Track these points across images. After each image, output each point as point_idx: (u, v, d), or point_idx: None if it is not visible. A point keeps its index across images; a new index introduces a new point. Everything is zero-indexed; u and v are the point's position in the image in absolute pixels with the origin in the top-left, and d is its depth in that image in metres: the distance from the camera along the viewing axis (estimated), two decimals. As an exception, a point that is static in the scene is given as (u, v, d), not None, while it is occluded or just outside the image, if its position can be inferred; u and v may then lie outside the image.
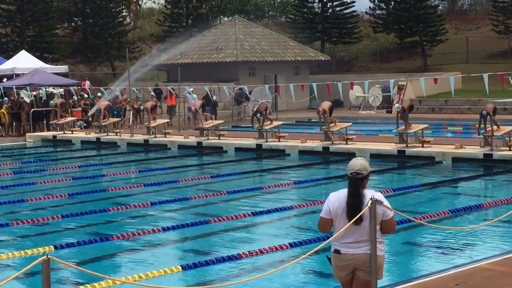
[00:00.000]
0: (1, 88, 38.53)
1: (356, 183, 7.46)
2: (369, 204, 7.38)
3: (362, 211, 7.38)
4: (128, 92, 36.86)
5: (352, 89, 40.90)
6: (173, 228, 14.82)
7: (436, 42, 55.50)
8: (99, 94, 39.27)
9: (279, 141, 27.93)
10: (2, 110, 35.16)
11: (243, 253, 12.37)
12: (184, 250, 13.46)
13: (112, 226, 15.36)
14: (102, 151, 30.06)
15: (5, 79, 40.87)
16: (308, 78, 47.62)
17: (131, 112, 34.88)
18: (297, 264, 10.97)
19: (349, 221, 7.40)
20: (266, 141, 28.04)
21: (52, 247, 13.05)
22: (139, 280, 10.81)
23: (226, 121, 37.19)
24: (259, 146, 27.70)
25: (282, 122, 31.33)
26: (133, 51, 56.40)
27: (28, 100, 36.53)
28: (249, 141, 28.57)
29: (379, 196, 7.50)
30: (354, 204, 7.43)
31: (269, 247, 12.66)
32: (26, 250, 12.91)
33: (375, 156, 24.21)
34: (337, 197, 7.55)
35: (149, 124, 32.04)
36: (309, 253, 8.76)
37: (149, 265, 11.92)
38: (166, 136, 31.25)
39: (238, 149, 27.98)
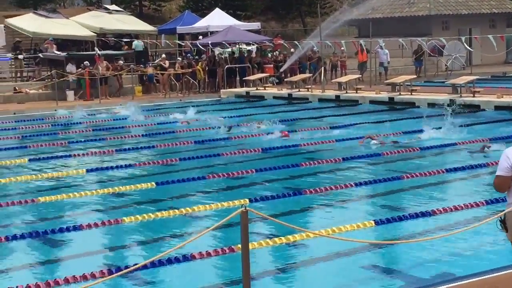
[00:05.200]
0: (198, 44, 39.65)
1: None
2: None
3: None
4: (321, 47, 36.89)
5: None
6: (366, 183, 14.84)
7: None
8: (292, 50, 39.59)
9: (473, 96, 27.16)
10: (198, 67, 36.23)
11: (437, 209, 12.22)
12: (376, 205, 13.44)
13: (305, 181, 15.55)
14: (294, 106, 30.37)
15: (200, 37, 42.05)
16: (504, 31, 45.74)
17: (322, 68, 34.99)
18: (492, 222, 10.66)
19: None
20: (460, 96, 27.32)
21: (247, 200, 13.40)
22: (333, 233, 10.92)
23: (419, 76, 36.60)
24: (452, 101, 27.04)
25: (477, 77, 30.41)
26: (324, 7, 56.30)
27: (223, 57, 37.44)
28: (442, 96, 27.94)
29: None
30: None
31: (464, 204, 12.44)
32: (223, 203, 13.34)
33: None
34: None
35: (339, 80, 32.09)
36: (504, 212, 8.48)
37: (342, 220, 11.99)
38: (358, 91, 31.13)
39: (431, 105, 27.43)
